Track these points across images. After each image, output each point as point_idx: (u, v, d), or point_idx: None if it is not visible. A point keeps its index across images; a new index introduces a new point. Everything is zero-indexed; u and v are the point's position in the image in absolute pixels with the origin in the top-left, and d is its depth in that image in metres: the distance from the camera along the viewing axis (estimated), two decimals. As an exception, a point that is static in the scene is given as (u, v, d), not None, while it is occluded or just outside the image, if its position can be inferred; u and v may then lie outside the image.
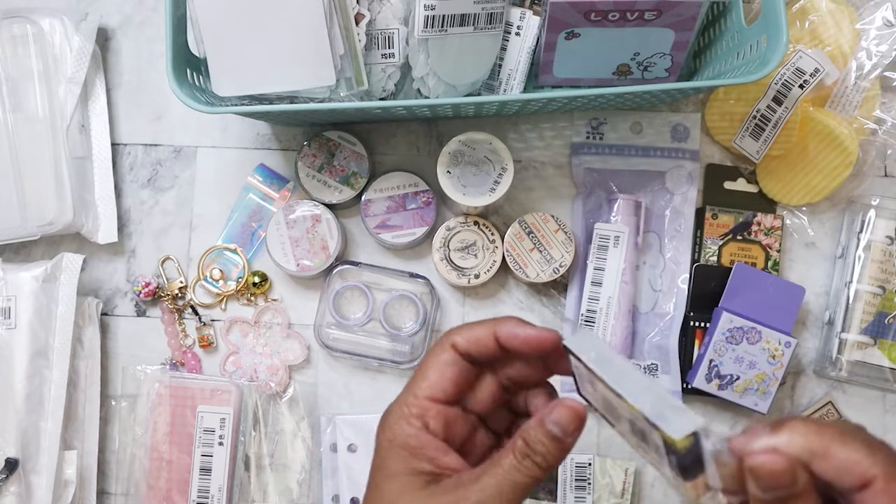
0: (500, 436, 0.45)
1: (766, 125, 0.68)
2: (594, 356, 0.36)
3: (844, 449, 0.30)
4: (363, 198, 0.70)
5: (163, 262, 0.73)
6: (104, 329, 0.72)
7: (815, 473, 0.30)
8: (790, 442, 0.30)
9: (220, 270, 0.72)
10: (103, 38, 0.75)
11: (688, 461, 0.30)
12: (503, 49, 0.64)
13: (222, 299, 0.72)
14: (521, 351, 0.40)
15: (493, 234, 0.70)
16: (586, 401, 0.39)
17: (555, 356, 0.41)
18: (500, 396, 0.43)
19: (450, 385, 0.41)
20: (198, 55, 0.61)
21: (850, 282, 0.69)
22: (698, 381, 0.67)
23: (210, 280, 0.72)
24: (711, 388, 0.67)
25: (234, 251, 0.72)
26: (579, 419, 0.37)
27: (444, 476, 0.39)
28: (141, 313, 0.73)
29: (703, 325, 0.69)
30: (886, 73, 0.69)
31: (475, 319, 0.41)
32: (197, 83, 0.61)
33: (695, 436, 0.30)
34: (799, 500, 0.30)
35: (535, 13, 0.63)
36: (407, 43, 0.63)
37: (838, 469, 0.30)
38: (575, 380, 0.41)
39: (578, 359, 0.36)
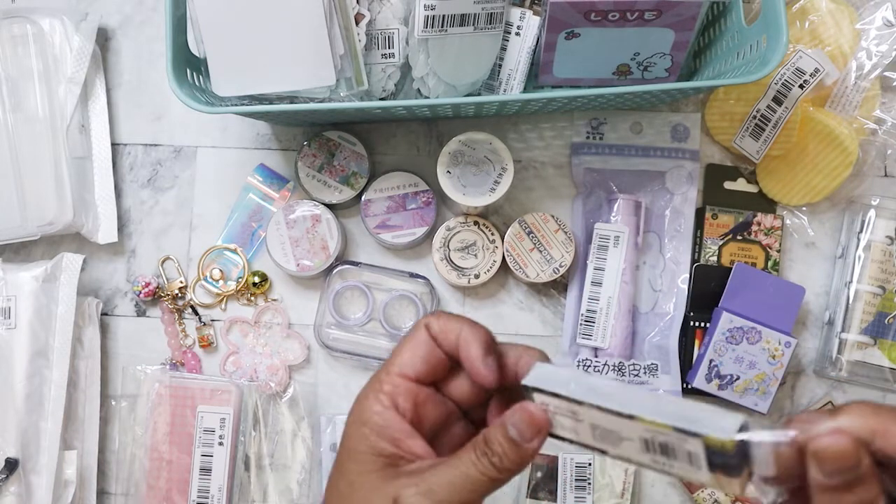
0: None
1: (766, 125, 0.68)
2: (574, 387, 0.34)
3: None
4: (363, 198, 0.70)
5: (163, 262, 0.73)
6: (104, 329, 0.72)
7: (876, 452, 0.30)
8: (851, 423, 0.30)
9: (220, 270, 0.72)
10: (103, 38, 0.75)
11: (736, 460, 0.30)
12: (503, 49, 0.64)
13: (222, 299, 0.72)
14: (465, 368, 0.39)
15: (493, 234, 0.70)
16: (559, 438, 0.37)
17: (501, 396, 0.40)
18: (484, 390, 0.41)
19: (420, 363, 0.39)
20: (198, 55, 0.61)
21: (850, 282, 0.69)
22: (698, 381, 0.67)
23: (210, 280, 0.72)
24: (711, 388, 0.67)
25: (234, 251, 0.72)
26: (536, 427, 0.36)
27: (406, 461, 0.38)
28: (141, 313, 0.73)
29: (703, 325, 0.69)
30: (886, 73, 0.69)
31: (475, 319, 0.41)
32: (197, 83, 0.61)
33: (742, 435, 0.29)
34: (863, 483, 0.29)
35: (535, 13, 0.63)
36: (407, 43, 0.63)
37: None
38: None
39: (553, 394, 0.35)
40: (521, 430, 0.36)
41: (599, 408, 0.33)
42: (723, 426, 0.30)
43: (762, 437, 0.29)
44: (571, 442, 0.36)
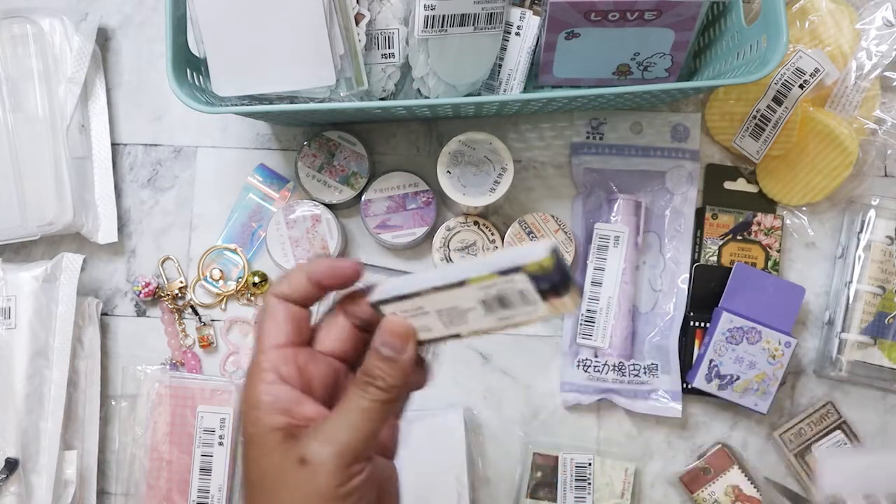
0: None
1: (766, 125, 0.68)
2: (402, 283, 0.36)
3: None
4: (363, 198, 0.70)
5: (163, 262, 0.73)
6: (104, 329, 0.72)
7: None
8: None
9: (220, 270, 0.72)
10: (103, 38, 0.75)
11: (558, 276, 0.32)
12: (503, 49, 0.64)
13: (222, 299, 0.72)
14: (330, 283, 0.40)
15: (493, 234, 0.70)
16: (423, 343, 0.39)
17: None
18: (358, 337, 0.41)
19: (284, 325, 0.39)
20: (198, 55, 0.61)
21: (850, 282, 0.69)
22: (698, 381, 0.67)
23: (210, 280, 0.72)
24: (711, 388, 0.67)
25: (234, 251, 0.72)
26: (401, 335, 0.37)
27: (302, 427, 0.37)
28: (141, 313, 0.73)
29: (703, 325, 0.69)
30: (886, 73, 0.69)
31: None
32: (197, 83, 0.61)
33: (554, 250, 0.32)
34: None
35: (535, 13, 0.63)
36: (407, 43, 0.63)
37: None
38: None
39: (396, 298, 0.37)
40: (390, 344, 0.37)
41: (435, 288, 0.35)
42: (535, 251, 0.32)
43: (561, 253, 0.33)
44: (433, 341, 0.38)
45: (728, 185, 0.72)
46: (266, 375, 0.38)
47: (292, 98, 0.62)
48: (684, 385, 0.69)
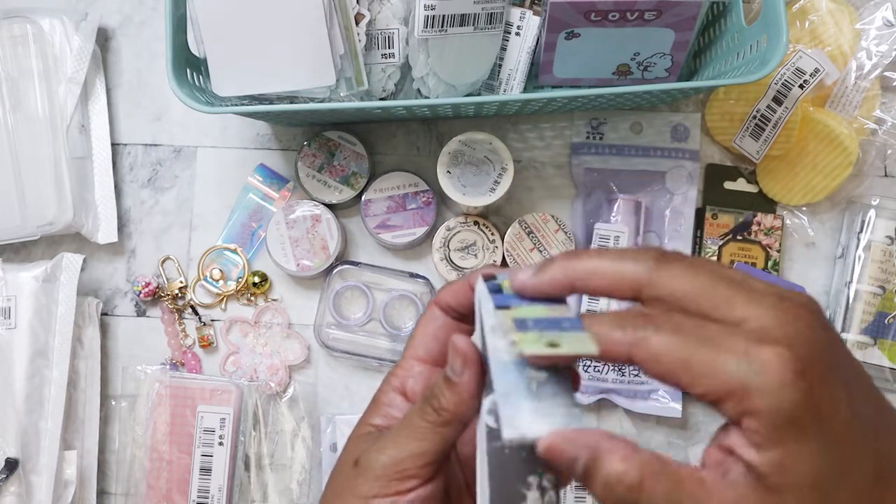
0: None
1: (766, 125, 0.68)
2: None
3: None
4: (363, 198, 0.70)
5: (163, 262, 0.73)
6: (104, 329, 0.72)
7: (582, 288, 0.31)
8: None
9: (220, 270, 0.72)
10: (103, 38, 0.75)
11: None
12: (503, 49, 0.64)
13: (222, 299, 0.72)
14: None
15: (493, 234, 0.70)
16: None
17: None
18: None
19: (431, 341, 0.38)
20: (198, 55, 0.61)
21: (850, 282, 0.69)
22: (698, 381, 0.67)
23: (210, 280, 0.72)
24: (711, 388, 0.67)
25: (234, 251, 0.72)
26: (461, 357, 0.34)
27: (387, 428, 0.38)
28: (141, 313, 0.73)
29: (703, 325, 0.69)
30: (886, 73, 0.69)
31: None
32: (197, 83, 0.61)
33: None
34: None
35: (535, 13, 0.63)
36: (407, 43, 0.63)
37: None
38: None
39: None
40: (452, 364, 0.35)
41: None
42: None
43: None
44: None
45: (728, 185, 0.72)
46: (393, 380, 0.38)
47: (292, 98, 0.62)
48: (684, 385, 0.69)
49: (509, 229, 0.69)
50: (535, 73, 0.67)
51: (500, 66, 0.65)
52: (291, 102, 0.62)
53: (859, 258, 0.68)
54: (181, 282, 0.72)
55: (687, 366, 0.27)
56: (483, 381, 0.34)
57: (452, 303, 0.38)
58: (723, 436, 0.28)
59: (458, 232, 0.70)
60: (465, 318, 0.38)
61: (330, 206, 0.70)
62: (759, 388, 0.26)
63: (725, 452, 0.27)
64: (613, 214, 0.70)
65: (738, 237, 0.71)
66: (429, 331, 0.38)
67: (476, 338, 0.35)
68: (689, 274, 0.29)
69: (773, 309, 0.27)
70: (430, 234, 0.71)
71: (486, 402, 0.33)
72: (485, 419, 0.33)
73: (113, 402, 0.71)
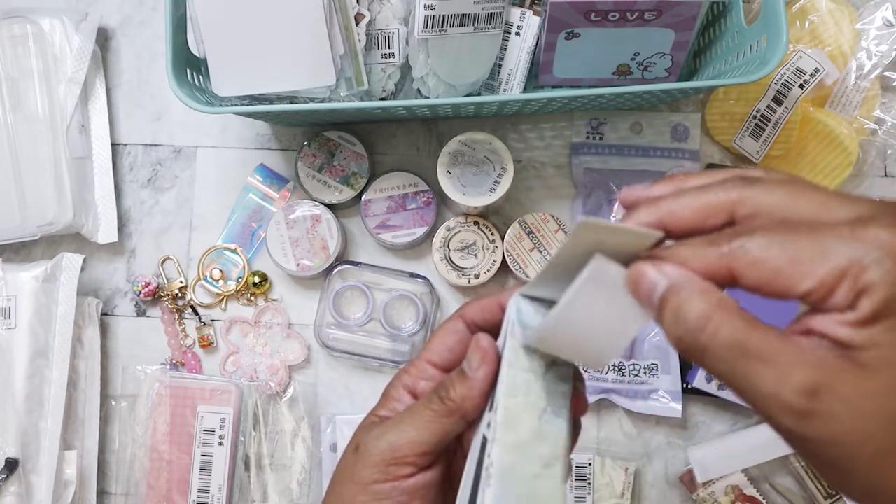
0: None
1: (766, 125, 0.68)
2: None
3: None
4: (363, 198, 0.70)
5: (163, 262, 0.73)
6: (104, 329, 0.72)
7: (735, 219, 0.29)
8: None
9: (220, 270, 0.72)
10: (103, 38, 0.75)
11: None
12: (503, 49, 0.64)
13: (222, 299, 0.72)
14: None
15: (493, 234, 0.70)
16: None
17: None
18: None
19: (447, 352, 0.39)
20: (198, 55, 0.61)
21: (850, 282, 0.68)
22: (698, 381, 0.67)
23: (210, 280, 0.72)
24: (711, 388, 0.67)
25: (234, 251, 0.72)
26: (480, 354, 0.35)
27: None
28: (141, 313, 0.73)
29: (703, 325, 0.69)
30: (886, 73, 0.69)
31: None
32: (197, 83, 0.61)
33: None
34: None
35: (535, 13, 0.63)
36: (407, 43, 0.63)
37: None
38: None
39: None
40: (470, 359, 0.36)
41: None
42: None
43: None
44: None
45: (728, 185, 0.72)
46: (405, 378, 0.40)
47: (292, 98, 0.62)
48: (684, 385, 0.69)
49: (509, 229, 0.69)
50: (535, 73, 0.67)
51: (500, 66, 0.65)
52: (291, 102, 0.62)
53: (859, 258, 0.68)
54: (181, 282, 0.72)
55: (794, 261, 0.25)
56: (494, 382, 0.35)
57: (478, 319, 0.39)
58: (805, 320, 0.26)
59: (458, 232, 0.70)
60: (488, 333, 0.39)
61: (330, 206, 0.70)
62: (876, 261, 0.24)
63: (805, 334, 0.26)
64: (613, 214, 0.70)
65: (738, 237, 0.71)
66: (447, 342, 0.39)
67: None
68: (779, 186, 0.28)
69: (870, 203, 0.27)
70: (430, 234, 0.71)
71: (486, 417, 0.34)
72: (482, 431, 0.34)
73: (113, 402, 0.71)
